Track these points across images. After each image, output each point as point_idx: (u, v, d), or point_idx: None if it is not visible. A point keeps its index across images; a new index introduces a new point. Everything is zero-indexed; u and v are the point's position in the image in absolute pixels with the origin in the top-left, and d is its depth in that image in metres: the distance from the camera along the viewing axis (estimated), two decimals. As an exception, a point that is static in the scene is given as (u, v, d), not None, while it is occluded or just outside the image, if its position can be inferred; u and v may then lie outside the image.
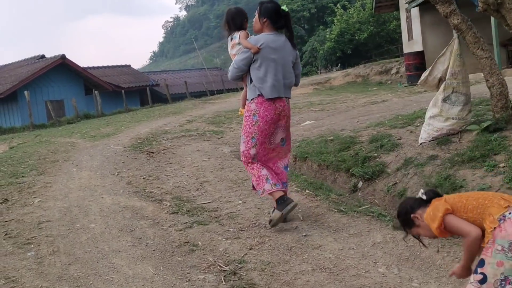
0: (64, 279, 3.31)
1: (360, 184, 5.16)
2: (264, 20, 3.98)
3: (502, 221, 2.12)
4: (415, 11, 16.81)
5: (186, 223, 4.24)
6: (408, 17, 18.41)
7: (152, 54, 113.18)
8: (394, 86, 16.50)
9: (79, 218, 4.52)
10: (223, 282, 3.17)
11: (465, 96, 4.96)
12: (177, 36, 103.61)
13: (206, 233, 3.98)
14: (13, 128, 17.98)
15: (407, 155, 5.08)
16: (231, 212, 4.46)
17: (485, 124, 4.80)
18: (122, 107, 20.80)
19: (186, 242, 3.83)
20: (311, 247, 3.61)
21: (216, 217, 4.36)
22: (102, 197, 5.16)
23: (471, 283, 2.19)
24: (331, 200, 4.59)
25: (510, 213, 2.12)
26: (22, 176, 6.39)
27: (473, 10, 7.56)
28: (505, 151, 4.30)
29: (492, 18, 11.47)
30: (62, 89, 24.54)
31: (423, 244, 2.63)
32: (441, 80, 5.04)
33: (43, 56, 26.39)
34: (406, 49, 18.38)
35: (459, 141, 4.89)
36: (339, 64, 29.16)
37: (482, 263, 2.15)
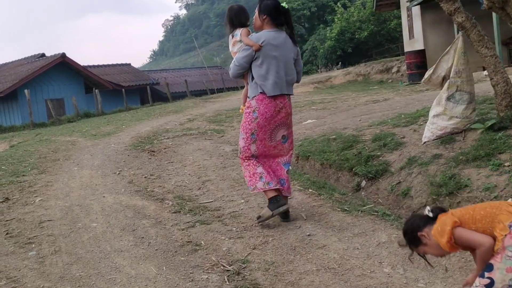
0: (66, 279, 3.28)
1: (363, 183, 5.13)
2: (264, 17, 3.98)
3: None
4: (416, 10, 16.78)
5: (188, 222, 4.21)
6: (409, 16, 18.37)
7: (152, 52, 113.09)
8: (395, 84, 16.46)
9: (81, 218, 4.49)
10: (227, 282, 3.13)
11: (469, 95, 4.92)
12: (177, 34, 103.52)
13: (209, 233, 3.95)
14: (13, 127, 17.96)
15: (410, 154, 5.05)
16: (233, 212, 4.43)
17: (489, 123, 4.76)
18: (123, 105, 20.77)
19: (188, 241, 3.80)
20: (315, 246, 3.57)
21: (219, 217, 4.32)
22: (104, 196, 5.13)
23: (476, 286, 2.15)
24: (335, 199, 4.56)
25: None
26: (23, 175, 6.36)
27: (476, 8, 7.54)
28: (510, 150, 4.27)
29: (494, 17, 11.44)
30: (62, 88, 24.50)
31: (429, 264, 2.56)
32: (445, 79, 5.00)
33: (43, 55, 26.34)
34: (407, 48, 18.35)
35: (463, 140, 4.85)
36: (339, 63, 29.11)
37: (490, 267, 2.12)
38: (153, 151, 7.46)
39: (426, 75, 5.12)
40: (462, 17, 4.78)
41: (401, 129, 6.00)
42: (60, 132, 12.13)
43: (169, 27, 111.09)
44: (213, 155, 6.78)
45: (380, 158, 5.30)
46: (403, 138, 5.60)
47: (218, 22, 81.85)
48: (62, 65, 24.29)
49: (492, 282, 2.10)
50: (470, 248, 2.25)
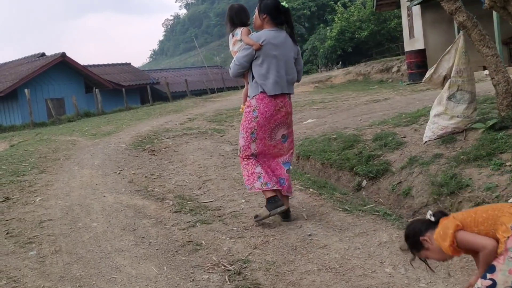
0: (66, 279, 3.27)
1: (364, 182, 5.12)
2: (264, 16, 3.98)
3: None
4: (416, 9, 16.77)
5: (189, 222, 4.20)
6: (410, 15, 18.36)
7: (152, 52, 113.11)
8: (395, 84, 16.45)
9: (81, 217, 4.48)
10: (228, 282, 3.12)
11: (470, 94, 4.92)
12: (177, 34, 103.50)
13: (209, 232, 3.94)
14: (14, 126, 17.97)
15: (411, 154, 5.04)
16: (234, 211, 4.42)
17: (490, 122, 4.75)
18: (123, 105, 20.77)
19: (189, 241, 3.79)
20: (316, 246, 3.57)
21: (220, 216, 4.31)
22: (104, 196, 5.11)
23: None
24: (336, 199, 4.55)
25: None
26: (23, 175, 6.35)
27: (476, 8, 7.53)
28: (511, 150, 4.26)
29: (494, 16, 11.43)
30: (63, 87, 24.49)
31: (430, 268, 2.54)
32: (446, 78, 5.00)
33: (43, 54, 26.34)
34: (407, 47, 18.34)
35: (464, 139, 4.85)
36: (340, 62, 29.11)
37: (492, 269, 2.11)
38: (153, 150, 7.45)
39: (427, 75, 5.12)
40: (463, 16, 4.77)
41: (402, 128, 5.99)
42: (60, 131, 12.12)
43: (169, 26, 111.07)
44: (214, 155, 6.77)
45: (381, 157, 5.30)
46: (404, 137, 5.59)
47: (218, 22, 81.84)
48: (62, 65, 24.29)
49: (494, 283, 2.09)
50: (473, 251, 2.23)
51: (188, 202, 4.77)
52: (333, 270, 3.22)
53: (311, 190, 4.82)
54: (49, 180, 5.96)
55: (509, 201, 3.64)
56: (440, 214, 2.31)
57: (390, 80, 18.69)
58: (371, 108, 9.37)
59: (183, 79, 29.08)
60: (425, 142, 5.13)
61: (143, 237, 3.92)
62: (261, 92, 3.93)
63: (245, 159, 4.04)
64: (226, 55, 65.77)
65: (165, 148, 7.59)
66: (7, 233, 4.16)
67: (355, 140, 6.03)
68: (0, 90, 22.37)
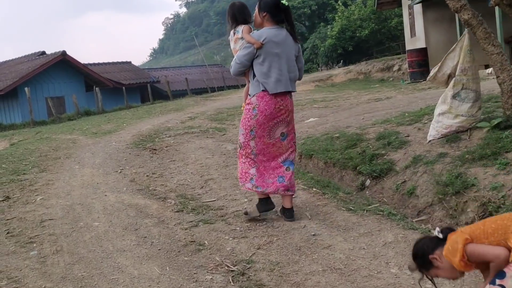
0: (68, 279, 3.23)
1: (368, 182, 5.08)
2: (264, 14, 3.96)
3: None
4: (418, 8, 16.72)
5: (191, 221, 4.16)
6: (411, 14, 18.30)
7: (152, 50, 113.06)
8: (396, 83, 16.40)
9: (83, 217, 4.44)
10: (232, 283, 3.08)
11: (475, 93, 4.87)
12: (177, 33, 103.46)
13: (212, 232, 3.90)
14: (14, 125, 17.91)
15: (415, 153, 5.00)
16: (237, 211, 4.38)
17: (495, 121, 4.71)
18: (123, 103, 20.73)
19: (192, 241, 3.74)
20: (321, 246, 3.52)
21: (222, 216, 4.27)
22: (106, 195, 5.07)
23: None
24: (339, 199, 4.51)
25: None
26: (24, 174, 6.31)
27: (479, 6, 7.48)
28: (517, 149, 4.22)
29: (497, 15, 11.37)
30: (63, 86, 24.43)
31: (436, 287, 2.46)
32: (450, 77, 4.95)
33: (43, 53, 26.27)
34: (409, 46, 18.29)
35: (469, 138, 4.80)
36: (341, 61, 29.07)
37: (502, 275, 2.06)
38: (154, 149, 7.41)
39: (432, 73, 5.07)
40: (469, 14, 4.72)
41: (405, 127, 5.94)
42: (61, 130, 12.07)
43: (169, 25, 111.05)
44: (215, 154, 6.73)
45: (385, 156, 5.25)
46: (408, 136, 5.55)
47: (218, 21, 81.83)
48: (63, 63, 24.22)
49: None
50: (484, 265, 2.16)
51: (190, 202, 4.73)
52: (338, 270, 3.17)
53: (314, 189, 4.78)
54: (49, 179, 5.92)
55: None
56: (448, 230, 2.24)
57: (391, 79, 18.65)
58: (373, 107, 9.33)
59: (184, 77, 29.03)
60: (429, 141, 5.09)
61: (145, 237, 3.88)
62: (262, 90, 3.91)
63: (243, 158, 4.05)
64: (226, 53, 65.74)
65: (166, 147, 7.55)
66: (8, 233, 4.11)
67: (358, 139, 5.99)
68: (0, 88, 22.31)
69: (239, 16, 4.09)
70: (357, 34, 28.41)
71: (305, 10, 33.52)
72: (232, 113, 11.27)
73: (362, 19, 28.95)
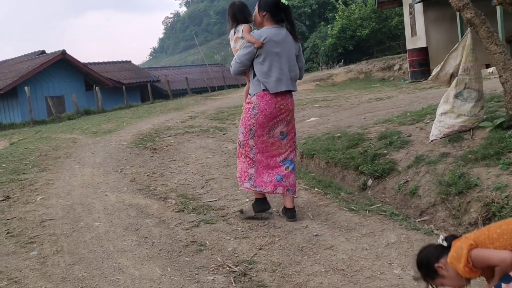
0: (68, 280, 3.20)
1: (370, 182, 5.05)
2: (264, 13, 3.94)
3: None
4: (418, 7, 16.69)
5: (192, 221, 4.13)
6: (412, 13, 18.27)
7: (152, 50, 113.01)
8: (397, 82, 16.38)
9: (83, 217, 4.41)
10: (233, 284, 3.06)
11: (477, 92, 4.84)
12: (177, 32, 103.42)
13: (213, 232, 3.87)
14: (13, 124, 17.87)
15: (418, 153, 4.97)
16: (238, 211, 4.34)
17: (498, 121, 4.69)
18: (123, 103, 20.69)
19: (193, 241, 3.72)
20: (323, 247, 3.50)
21: (223, 216, 4.24)
22: (106, 195, 5.04)
23: None
24: (341, 199, 4.48)
25: None
26: (24, 173, 6.28)
27: (481, 5, 7.45)
28: (520, 149, 4.19)
29: (498, 14, 11.35)
30: (63, 85, 24.39)
31: None
32: (453, 76, 4.92)
33: (43, 52, 26.24)
34: (409, 45, 18.27)
35: (471, 138, 4.78)
36: (342, 60, 29.05)
37: (508, 279, 2.03)
38: (155, 149, 7.38)
39: (434, 72, 5.05)
40: (471, 13, 4.69)
41: (407, 127, 5.92)
42: (61, 129, 12.05)
43: (169, 24, 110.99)
44: (216, 153, 6.70)
45: (387, 156, 5.23)
46: (410, 136, 5.52)
47: (218, 20, 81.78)
48: (62, 62, 24.18)
49: None
50: (490, 271, 2.12)
51: (191, 202, 4.70)
52: (341, 271, 3.15)
53: (316, 189, 4.75)
54: (49, 179, 5.89)
55: None
56: (452, 238, 2.21)
57: (391, 78, 18.62)
58: (374, 106, 9.30)
59: (184, 77, 29.00)
60: (432, 140, 5.06)
61: (146, 237, 3.85)
62: (262, 90, 3.89)
63: (243, 157, 4.04)
64: (226, 53, 65.71)
65: (166, 146, 7.52)
66: (8, 233, 4.09)
67: (360, 138, 5.96)
68: (0, 87, 22.28)
69: (240, 15, 4.07)
70: (358, 33, 28.40)
71: (306, 9, 33.52)
72: (232, 113, 11.24)
73: (362, 18, 28.95)
